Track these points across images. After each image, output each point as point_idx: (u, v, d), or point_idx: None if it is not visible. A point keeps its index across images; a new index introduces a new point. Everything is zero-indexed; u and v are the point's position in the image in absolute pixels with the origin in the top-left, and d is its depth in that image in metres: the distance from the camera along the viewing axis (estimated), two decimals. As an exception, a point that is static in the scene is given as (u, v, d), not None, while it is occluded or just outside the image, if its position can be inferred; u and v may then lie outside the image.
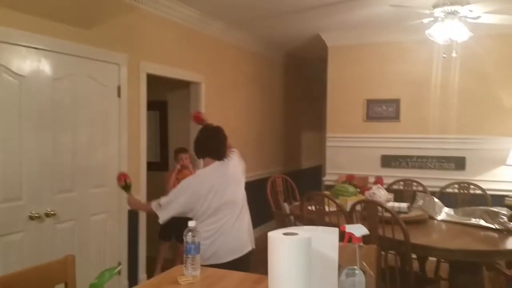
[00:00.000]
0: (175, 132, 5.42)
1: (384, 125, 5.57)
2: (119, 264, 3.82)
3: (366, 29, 5.41)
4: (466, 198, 4.53)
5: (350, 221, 3.28)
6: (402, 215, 3.40)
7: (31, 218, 3.03)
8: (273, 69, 6.97)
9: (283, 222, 4.41)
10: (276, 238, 1.32)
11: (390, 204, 3.65)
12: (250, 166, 5.87)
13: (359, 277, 1.36)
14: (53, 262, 1.78)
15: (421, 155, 5.38)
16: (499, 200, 4.47)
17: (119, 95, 3.83)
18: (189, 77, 4.83)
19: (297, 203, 4.61)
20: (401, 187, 4.87)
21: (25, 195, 3.01)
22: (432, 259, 4.13)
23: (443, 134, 5.25)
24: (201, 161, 2.92)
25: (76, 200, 3.43)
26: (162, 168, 5.30)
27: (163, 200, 2.69)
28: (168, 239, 4.63)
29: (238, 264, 2.62)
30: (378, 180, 4.74)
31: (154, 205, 2.71)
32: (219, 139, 2.83)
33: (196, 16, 4.73)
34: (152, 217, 2.91)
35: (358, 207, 3.37)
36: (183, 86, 5.03)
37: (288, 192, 4.99)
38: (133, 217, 4.02)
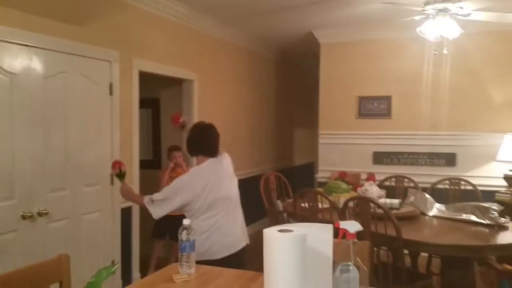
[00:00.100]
0: (167, 130, 5.40)
1: (376, 122, 5.60)
2: (113, 262, 3.81)
3: (358, 26, 5.43)
4: (457, 194, 4.57)
5: (343, 218, 3.30)
6: (394, 211, 3.43)
7: (24, 217, 3.01)
8: (265, 66, 6.97)
9: (276, 219, 4.42)
10: (272, 235, 1.33)
11: (382, 201, 3.67)
12: (242, 164, 5.91)
13: (353, 273, 1.37)
14: (48, 261, 1.77)
15: (413, 152, 5.42)
16: (489, 195, 4.52)
17: (111, 93, 3.81)
18: (182, 74, 4.82)
19: (290, 200, 4.62)
20: (393, 184, 4.90)
21: (17, 194, 2.99)
22: (424, 254, 4.17)
23: (434, 130, 5.30)
24: (194, 159, 2.93)
25: (68, 199, 3.41)
26: (154, 166, 5.28)
27: (156, 196, 2.69)
28: (162, 238, 4.62)
29: (233, 260, 2.64)
30: (370, 177, 4.76)
31: (146, 200, 2.70)
32: (212, 136, 2.84)
33: (189, 13, 4.72)
34: (145, 215, 2.91)
35: (351, 204, 3.39)
36: (176, 83, 5.02)
37: (281, 189, 5.01)
38: (126, 215, 4.01)
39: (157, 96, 5.45)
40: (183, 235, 1.94)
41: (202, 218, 2.64)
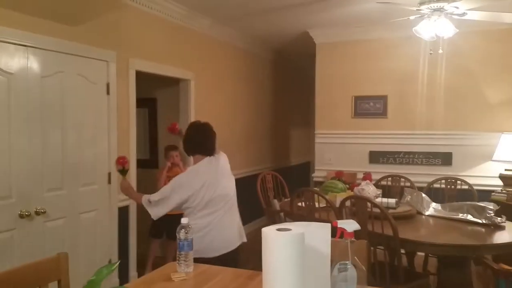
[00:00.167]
0: (164, 130, 5.39)
1: (371, 122, 5.62)
2: (110, 261, 3.81)
3: (353, 26, 5.44)
4: (453, 193, 4.60)
5: (339, 217, 3.31)
6: (391, 211, 3.43)
7: (21, 216, 3.01)
8: (262, 65, 6.98)
9: (273, 218, 4.43)
10: (270, 233, 1.34)
11: (379, 200, 3.68)
12: (239, 163, 5.91)
13: (351, 271, 1.38)
14: (46, 260, 1.77)
15: (409, 151, 5.44)
16: (485, 195, 4.54)
17: (108, 92, 3.81)
18: (179, 74, 4.82)
19: (287, 200, 4.64)
20: (389, 183, 4.92)
21: (15, 194, 2.99)
22: (421, 254, 4.19)
23: (430, 130, 5.32)
24: (191, 158, 2.93)
25: (66, 198, 3.41)
26: (151, 165, 5.28)
27: (154, 196, 2.69)
28: (159, 237, 4.62)
29: (229, 258, 2.64)
30: (367, 176, 4.77)
31: (144, 201, 2.71)
32: (208, 135, 2.85)
33: (185, 13, 4.72)
34: (143, 214, 2.91)
35: (348, 203, 3.40)
36: (173, 83, 5.02)
37: (278, 188, 5.02)
38: (123, 214, 4.01)
39: (154, 96, 5.45)
40: (181, 234, 1.94)
41: (199, 215, 2.66)
